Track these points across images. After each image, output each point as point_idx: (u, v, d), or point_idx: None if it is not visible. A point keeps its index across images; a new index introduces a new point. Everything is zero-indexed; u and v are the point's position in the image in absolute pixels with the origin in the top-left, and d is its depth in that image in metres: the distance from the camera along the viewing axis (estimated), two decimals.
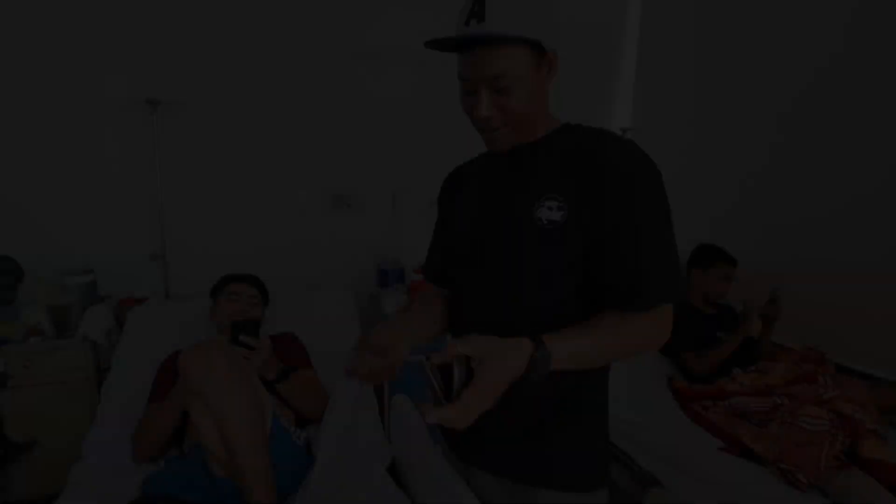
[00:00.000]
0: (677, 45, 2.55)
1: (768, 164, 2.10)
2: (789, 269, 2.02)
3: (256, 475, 1.03)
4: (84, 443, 1.34)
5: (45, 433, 1.71)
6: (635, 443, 1.57)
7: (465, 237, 0.84)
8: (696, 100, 2.45)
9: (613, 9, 2.70)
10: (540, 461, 0.78)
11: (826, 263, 1.91)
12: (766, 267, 2.06)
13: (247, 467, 1.03)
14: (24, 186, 1.90)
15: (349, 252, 2.43)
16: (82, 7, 1.85)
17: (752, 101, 2.16)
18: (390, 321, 0.89)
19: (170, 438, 1.29)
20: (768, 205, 2.12)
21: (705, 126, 2.40)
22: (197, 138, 2.10)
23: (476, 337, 0.63)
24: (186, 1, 1.98)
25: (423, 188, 2.56)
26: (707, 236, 2.09)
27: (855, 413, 1.36)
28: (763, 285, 1.99)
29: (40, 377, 1.69)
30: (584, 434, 0.79)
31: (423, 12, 2.29)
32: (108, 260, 2.02)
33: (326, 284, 2.27)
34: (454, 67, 0.75)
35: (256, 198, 2.23)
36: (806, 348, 1.82)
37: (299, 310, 1.92)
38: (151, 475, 1.16)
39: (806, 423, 1.34)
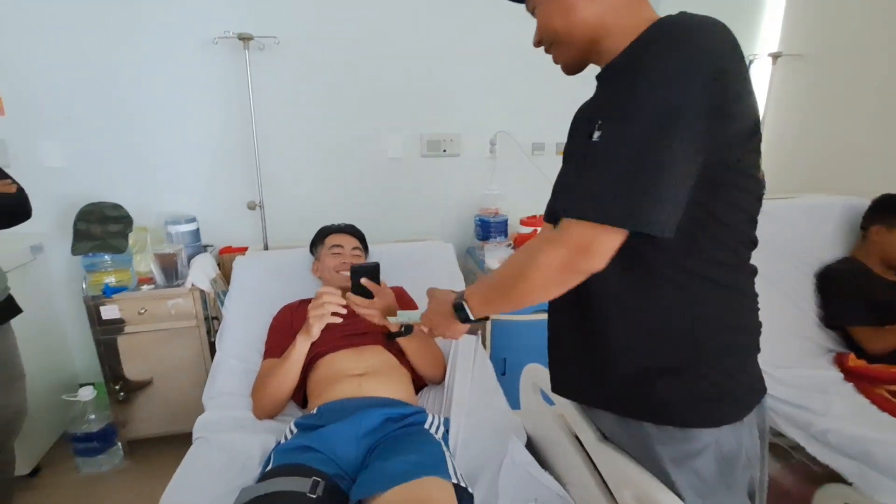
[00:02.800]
0: None
1: None
2: None
3: None
4: (204, 395, 1.31)
5: (159, 375, 1.77)
6: (807, 432, 1.32)
7: None
8: (863, 17, 1.94)
9: None
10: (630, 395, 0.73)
11: None
12: None
13: None
14: (126, 134, 1.87)
15: (446, 202, 2.25)
16: None
17: None
18: None
19: (290, 395, 1.22)
20: None
21: (877, 48, 1.90)
22: (288, 79, 1.96)
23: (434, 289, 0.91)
24: None
25: (524, 132, 2.32)
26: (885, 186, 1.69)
27: None
28: None
29: (153, 323, 1.71)
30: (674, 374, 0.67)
31: None
32: (207, 209, 1.98)
33: (422, 236, 2.12)
34: None
35: (346, 143, 2.08)
36: None
37: (399, 263, 1.78)
38: (280, 449, 1.00)
39: None
